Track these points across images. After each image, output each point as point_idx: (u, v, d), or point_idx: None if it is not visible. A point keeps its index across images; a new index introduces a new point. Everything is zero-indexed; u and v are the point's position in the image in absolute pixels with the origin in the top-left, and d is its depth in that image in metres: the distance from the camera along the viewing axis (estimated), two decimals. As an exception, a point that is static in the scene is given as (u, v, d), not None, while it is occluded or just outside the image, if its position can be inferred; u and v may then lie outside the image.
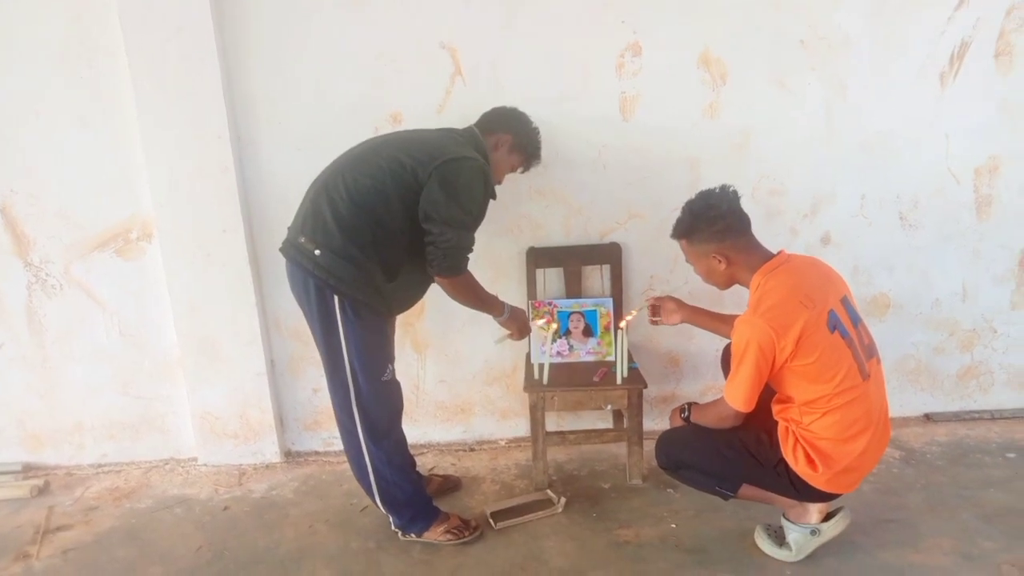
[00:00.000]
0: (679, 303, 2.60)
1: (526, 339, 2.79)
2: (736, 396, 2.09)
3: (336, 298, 2.18)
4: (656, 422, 3.15)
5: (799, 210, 2.95)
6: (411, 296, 2.42)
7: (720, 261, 2.14)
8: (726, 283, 2.23)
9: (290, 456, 3.15)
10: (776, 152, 2.88)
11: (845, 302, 2.14)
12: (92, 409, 3.12)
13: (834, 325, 2.05)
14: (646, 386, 2.63)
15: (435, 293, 2.41)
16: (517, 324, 2.57)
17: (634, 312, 2.65)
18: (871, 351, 2.15)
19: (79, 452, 3.16)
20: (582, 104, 2.80)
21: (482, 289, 2.43)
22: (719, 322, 2.59)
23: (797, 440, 2.12)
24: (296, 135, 2.80)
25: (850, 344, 2.07)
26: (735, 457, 2.23)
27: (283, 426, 3.14)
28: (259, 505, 2.79)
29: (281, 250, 2.29)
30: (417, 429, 3.17)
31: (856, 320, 2.13)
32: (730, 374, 2.13)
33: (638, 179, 2.88)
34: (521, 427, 3.17)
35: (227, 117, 2.72)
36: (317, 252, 2.15)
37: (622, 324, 2.58)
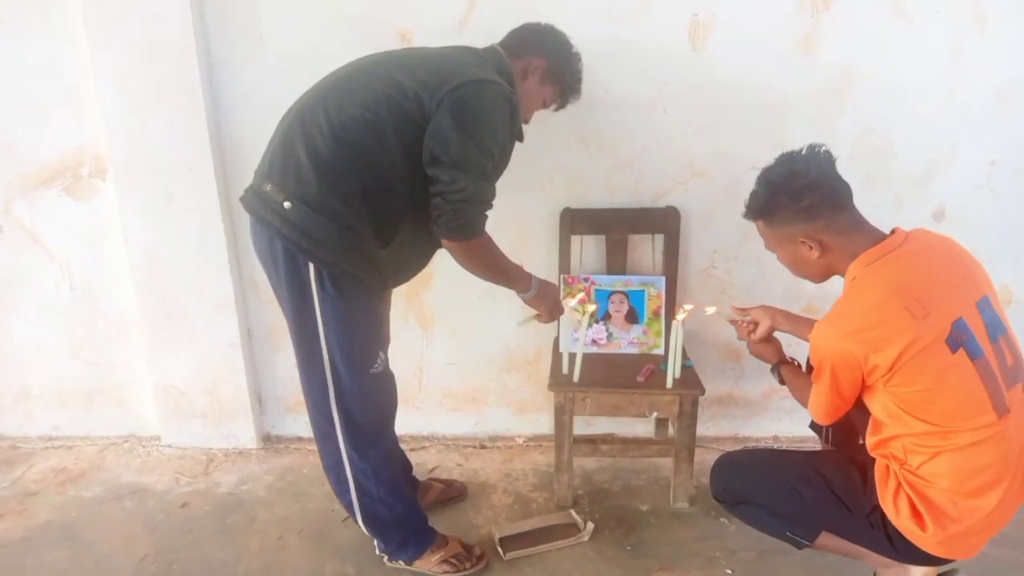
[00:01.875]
0: (763, 309, 2.09)
1: (555, 322, 2.35)
2: (815, 407, 1.70)
3: (311, 267, 1.72)
4: (708, 428, 2.71)
5: (908, 176, 2.41)
6: (412, 264, 1.96)
7: (811, 248, 1.64)
8: (821, 275, 1.73)
9: (268, 441, 2.75)
10: (885, 100, 2.32)
11: (984, 306, 1.62)
12: (40, 373, 2.73)
13: (959, 342, 1.54)
14: (703, 391, 2.16)
15: (445, 256, 1.96)
16: (547, 303, 2.07)
17: (708, 310, 2.18)
18: (1015, 375, 1.65)
19: (27, 422, 2.79)
20: (639, 27, 2.26)
21: (504, 257, 1.94)
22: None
23: (900, 485, 1.64)
24: (281, 53, 2.31)
25: (982, 368, 1.56)
26: (816, 498, 1.76)
27: (261, 406, 2.73)
28: (224, 503, 2.40)
29: (242, 200, 1.82)
30: (419, 418, 2.75)
31: (996, 332, 1.61)
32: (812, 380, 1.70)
33: (706, 127, 2.36)
34: (543, 423, 2.74)
35: (193, 25, 2.23)
36: (287, 204, 1.69)
37: (678, 316, 2.11)
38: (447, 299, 2.58)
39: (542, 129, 2.32)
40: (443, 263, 2.32)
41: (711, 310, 2.16)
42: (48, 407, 2.78)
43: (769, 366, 1.99)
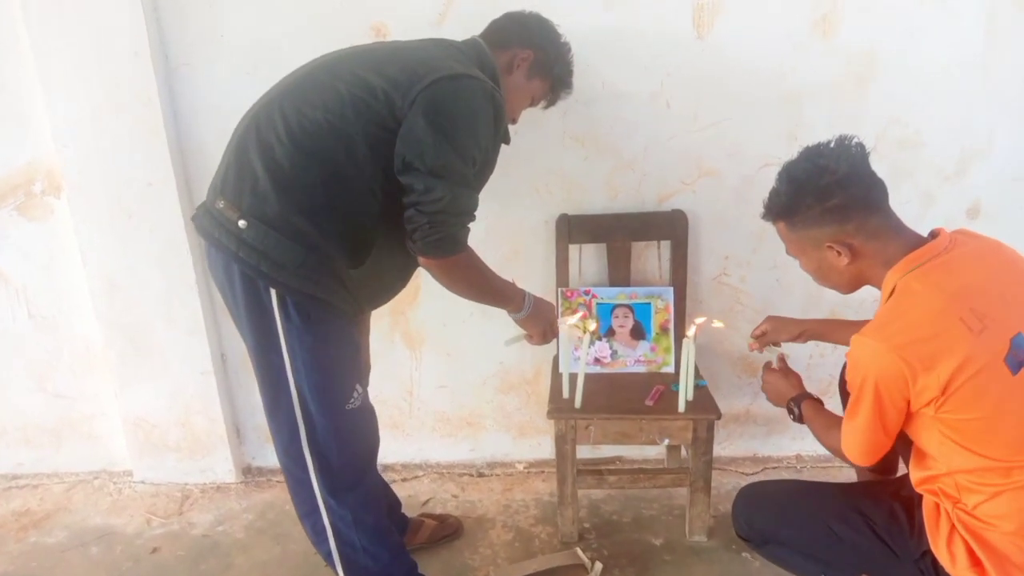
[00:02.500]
0: (781, 319, 1.93)
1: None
2: (851, 445, 1.45)
3: (273, 293, 1.51)
4: (724, 448, 2.49)
5: (939, 169, 2.19)
6: (390, 284, 1.75)
7: (839, 253, 1.43)
8: (850, 285, 1.52)
9: (248, 474, 2.55)
10: (912, 86, 2.09)
11: (1044, 318, 1.43)
12: (2, 408, 2.56)
13: (1020, 361, 1.34)
14: (719, 415, 1.95)
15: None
16: (541, 324, 1.86)
17: (716, 323, 1.95)
18: None
19: (-10, 459, 2.62)
20: (638, 12, 2.04)
21: (491, 273, 1.73)
22: (849, 329, 1.90)
23: (955, 528, 1.42)
24: (244, 52, 2.09)
25: None
26: (855, 540, 1.56)
27: (239, 437, 2.53)
28: (198, 547, 2.19)
29: (194, 220, 1.61)
30: (410, 444, 2.54)
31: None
32: (846, 411, 1.47)
33: (714, 122, 2.15)
34: (544, 447, 2.53)
35: (146, 26, 2.03)
36: (242, 223, 1.48)
37: (689, 333, 1.89)
38: (436, 317, 2.37)
39: (533, 128, 2.12)
40: (428, 278, 2.13)
41: (719, 324, 1.94)
42: (11, 444, 2.59)
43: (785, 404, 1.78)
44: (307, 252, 1.50)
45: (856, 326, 1.89)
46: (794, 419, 1.72)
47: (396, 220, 1.56)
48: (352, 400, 1.66)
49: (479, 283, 1.72)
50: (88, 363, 2.48)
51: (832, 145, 1.43)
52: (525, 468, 2.52)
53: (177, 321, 2.32)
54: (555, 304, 2.19)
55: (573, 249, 2.23)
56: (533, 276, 2.28)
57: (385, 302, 1.79)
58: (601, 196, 2.23)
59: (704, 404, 1.98)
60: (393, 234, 1.58)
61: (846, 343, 1.92)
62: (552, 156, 2.19)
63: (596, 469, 2.09)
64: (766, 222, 1.56)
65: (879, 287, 1.47)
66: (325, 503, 1.69)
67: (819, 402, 1.71)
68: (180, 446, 2.48)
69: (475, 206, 1.61)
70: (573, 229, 2.20)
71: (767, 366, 1.84)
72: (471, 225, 1.62)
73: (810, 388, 2.38)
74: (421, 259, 1.62)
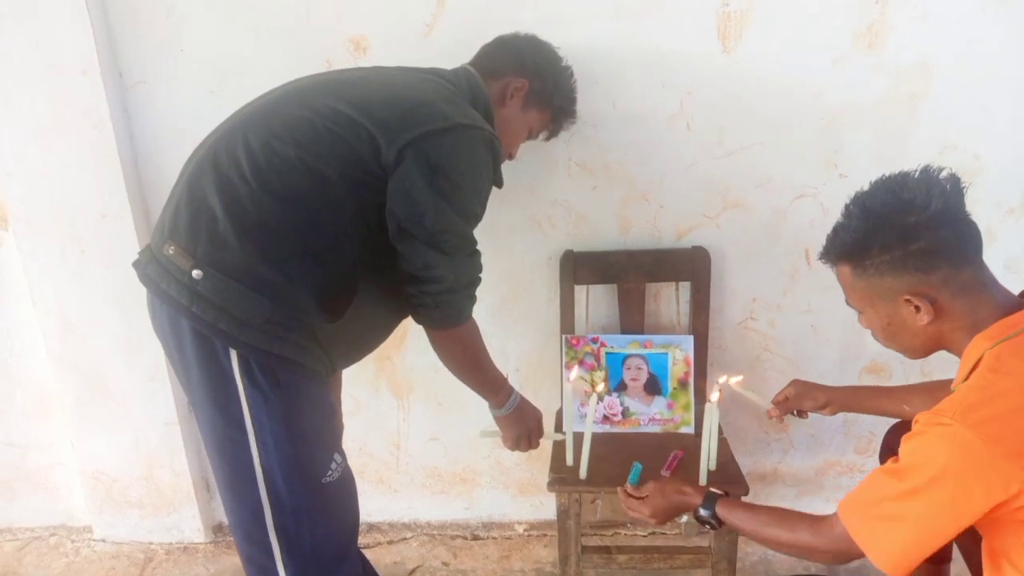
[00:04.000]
0: (806, 385, 1.68)
1: (556, 392, 1.90)
2: (884, 546, 1.12)
3: (234, 355, 1.29)
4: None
5: (1001, 201, 1.91)
6: (370, 338, 1.54)
7: (918, 309, 1.17)
8: (924, 348, 1.25)
9: (219, 533, 2.31)
10: (970, 106, 1.82)
11: None
12: (-50, 456, 2.35)
13: None
14: (747, 490, 1.70)
15: None
16: (518, 428, 1.72)
17: (733, 380, 1.69)
18: None
19: (-63, 512, 2.41)
20: (655, 23, 1.78)
21: (486, 354, 1.60)
22: (888, 398, 1.65)
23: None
24: (209, 70, 1.85)
25: None
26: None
27: (209, 492, 2.29)
28: (155, 624, 1.99)
29: (135, 266, 1.40)
30: (398, 502, 2.30)
31: None
32: (869, 495, 1.16)
33: (741, 147, 1.88)
34: (547, 507, 2.27)
35: (95, 40, 1.79)
36: (196, 274, 1.26)
37: (712, 398, 1.64)
38: (426, 362, 2.11)
39: (535, 154, 1.89)
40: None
41: (736, 379, 1.69)
42: (-39, 495, 2.37)
43: (684, 516, 1.48)
44: (275, 306, 1.28)
45: (895, 395, 1.63)
46: (712, 528, 1.40)
47: (378, 268, 1.37)
48: (330, 472, 1.43)
49: (472, 361, 1.59)
50: (43, 409, 2.25)
51: (917, 176, 1.17)
52: (525, 531, 2.27)
53: (137, 366, 2.09)
54: (560, 351, 1.95)
55: (579, 290, 1.98)
56: (533, 321, 2.04)
57: (362, 358, 1.56)
58: (611, 231, 1.97)
59: (729, 475, 1.72)
60: (375, 284, 1.39)
61: (882, 413, 1.67)
62: (556, 185, 1.94)
63: (604, 546, 1.84)
64: (799, 262, 1.30)
65: (957, 354, 1.21)
66: None
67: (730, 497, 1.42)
68: (143, 502, 2.25)
69: (479, 270, 1.47)
70: (579, 268, 1.95)
71: (623, 491, 1.53)
72: (477, 290, 1.48)
73: (847, 448, 2.17)
74: (426, 329, 1.50)
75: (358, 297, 1.36)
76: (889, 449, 1.66)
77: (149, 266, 1.35)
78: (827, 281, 1.96)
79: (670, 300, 2.01)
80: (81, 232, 1.97)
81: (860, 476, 2.17)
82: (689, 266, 1.94)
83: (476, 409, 2.13)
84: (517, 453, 2.19)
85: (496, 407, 1.68)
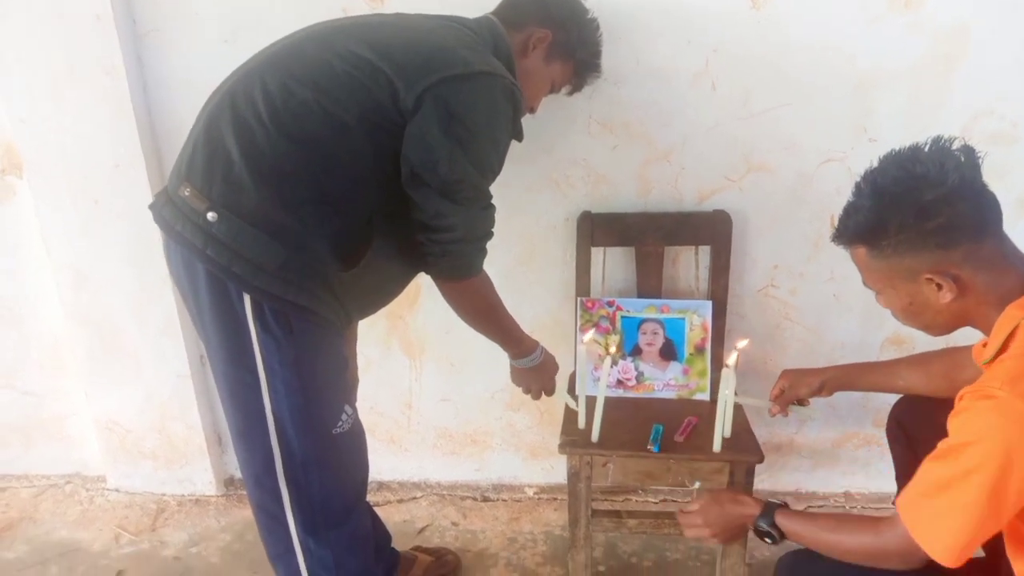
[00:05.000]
0: (797, 372, 1.67)
1: (570, 355, 1.89)
2: (938, 535, 1.09)
3: (247, 299, 1.30)
4: (763, 481, 2.21)
5: (1037, 170, 1.88)
6: (385, 290, 1.54)
7: (941, 287, 1.14)
8: (948, 325, 1.22)
9: (231, 486, 2.34)
10: (1008, 71, 1.76)
11: None
12: (-33, 405, 2.39)
13: None
14: (761, 458, 1.69)
15: None
16: (542, 379, 1.78)
17: (735, 353, 1.64)
18: None
19: (-42, 458, 2.46)
20: (683, -22, 1.76)
21: (500, 307, 1.60)
22: (881, 374, 1.63)
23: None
24: (224, 19, 1.83)
25: None
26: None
27: (220, 446, 2.32)
28: (167, 572, 2.01)
29: (152, 209, 1.39)
30: (408, 461, 2.32)
31: None
32: (928, 486, 1.13)
33: (767, 108, 1.84)
34: (558, 471, 2.28)
35: (110, -15, 1.80)
36: (211, 216, 1.27)
37: (729, 361, 1.62)
38: (439, 322, 2.12)
39: (554, 112, 1.86)
40: (430, 278, 1.91)
41: (743, 344, 1.67)
42: (-22, 442, 2.42)
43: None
44: (290, 252, 1.28)
45: (888, 369, 1.61)
46: (773, 542, 1.34)
47: (396, 218, 1.37)
48: (340, 423, 1.45)
49: (486, 314, 1.60)
50: (58, 359, 2.28)
51: (928, 149, 1.14)
52: (535, 493, 2.28)
53: (149, 319, 2.11)
54: (575, 313, 1.94)
55: (596, 253, 1.96)
56: (549, 283, 2.03)
57: (377, 310, 1.56)
58: (631, 192, 1.95)
59: (744, 443, 1.71)
60: (392, 234, 1.38)
61: (878, 389, 1.65)
62: (575, 144, 1.91)
63: (615, 511, 1.84)
64: (826, 229, 1.27)
65: (983, 328, 1.19)
66: (302, 544, 1.48)
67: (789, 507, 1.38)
68: (156, 453, 2.28)
69: (492, 224, 1.46)
70: (597, 229, 1.93)
71: (684, 513, 1.50)
72: (488, 244, 1.47)
73: (866, 421, 2.15)
74: (435, 280, 1.50)
75: (374, 247, 1.36)
76: (897, 424, 1.63)
77: (165, 208, 1.35)
78: (851, 249, 1.95)
79: (689, 265, 1.99)
80: (94, 182, 1.97)
81: (878, 449, 2.16)
82: (710, 230, 1.91)
83: (489, 371, 2.16)
84: (529, 416, 2.22)
85: (521, 357, 1.69)
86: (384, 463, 2.30)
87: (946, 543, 1.09)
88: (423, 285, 2.06)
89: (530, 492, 2.29)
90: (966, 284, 1.14)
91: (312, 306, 1.33)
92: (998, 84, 1.78)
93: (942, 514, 1.09)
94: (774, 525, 1.33)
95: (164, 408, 2.22)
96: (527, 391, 1.79)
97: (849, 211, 1.21)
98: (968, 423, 1.09)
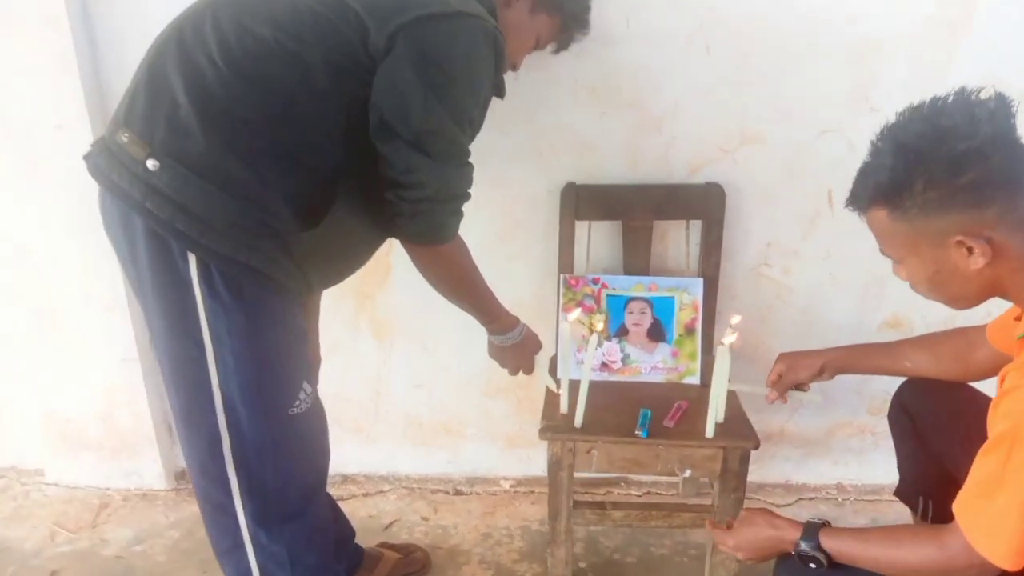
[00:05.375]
0: (795, 355, 1.56)
1: (551, 336, 1.77)
2: (995, 538, 0.98)
3: (193, 260, 1.16)
4: (751, 473, 2.09)
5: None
6: (349, 259, 1.39)
7: (971, 251, 1.04)
8: (978, 295, 1.11)
9: (182, 480, 2.16)
10: (1017, 38, 1.68)
11: None
12: None
13: None
14: (756, 444, 1.58)
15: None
16: (522, 358, 1.64)
17: (726, 339, 1.51)
18: None
19: None
20: (676, -68, 1.65)
21: (477, 278, 1.47)
22: (887, 355, 1.51)
23: None
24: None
25: None
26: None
27: (172, 436, 2.14)
28: (107, 573, 1.84)
29: (86, 159, 1.23)
30: (376, 452, 2.17)
31: None
32: (975, 482, 1.03)
33: (763, 74, 1.73)
34: (536, 462, 2.15)
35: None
36: (152, 164, 1.12)
37: (726, 340, 1.51)
38: (411, 301, 1.98)
39: (537, 75, 1.74)
40: (402, 254, 1.78)
41: (736, 320, 1.54)
42: (-96, 431, 2.22)
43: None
44: (242, 207, 1.14)
45: (894, 351, 1.50)
46: (819, 567, 1.18)
47: (363, 177, 1.23)
48: (297, 403, 1.31)
49: (460, 283, 1.46)
50: (-8, 341, 2.10)
51: (952, 100, 1.03)
52: (511, 487, 2.15)
53: (94, 295, 1.94)
54: (557, 289, 1.81)
55: (581, 227, 1.84)
56: (529, 260, 1.91)
57: (341, 279, 1.42)
58: (618, 163, 1.83)
59: (738, 428, 1.60)
60: (358, 194, 1.25)
61: (882, 372, 1.54)
62: (559, 110, 1.78)
63: (598, 502, 1.71)
64: (822, 204, 1.17)
65: (1015, 298, 1.09)
66: (253, 537, 1.34)
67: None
68: (100, 444, 2.11)
69: (469, 184, 1.32)
70: (582, 202, 1.81)
71: (714, 526, 1.38)
72: (463, 208, 1.33)
73: (859, 408, 2.06)
74: (405, 244, 1.35)
75: (338, 207, 1.22)
76: (901, 409, 1.54)
77: (100, 157, 1.20)
78: (849, 226, 1.81)
79: (679, 241, 1.88)
80: (31, 145, 1.81)
81: (872, 439, 2.07)
82: (702, 203, 1.80)
83: (464, 354, 2.03)
84: (506, 404, 2.09)
85: (500, 332, 1.56)
86: (349, 454, 2.15)
87: (1010, 545, 0.97)
88: (394, 260, 1.93)
89: (506, 485, 2.15)
90: (1000, 248, 1.03)
91: (266, 269, 1.19)
92: (1007, 51, 1.70)
93: (1001, 514, 0.98)
94: (819, 548, 1.17)
95: (109, 394, 2.05)
96: (515, 372, 1.66)
97: (867, 171, 1.09)
98: (1016, 405, 0.99)
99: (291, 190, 1.18)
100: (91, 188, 1.25)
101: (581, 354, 1.76)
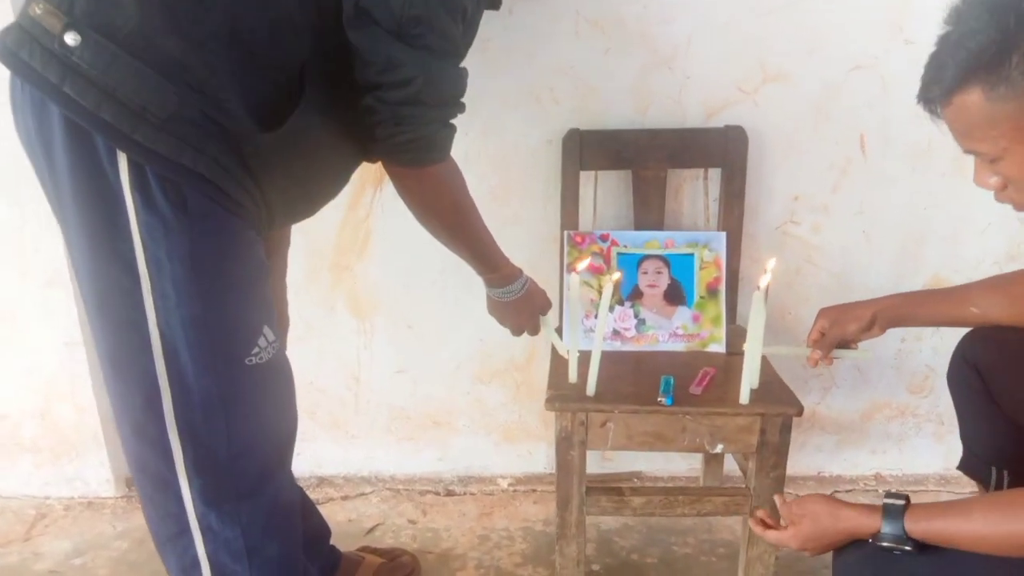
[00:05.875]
0: (839, 308, 1.33)
1: (554, 307, 1.55)
2: None
3: (123, 161, 0.93)
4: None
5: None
6: (317, 180, 1.16)
7: None
8: None
9: (133, 486, 1.93)
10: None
11: None
12: None
13: None
14: (800, 410, 1.36)
15: (388, 206, 1.37)
16: (524, 314, 1.43)
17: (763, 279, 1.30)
18: None
19: None
20: None
21: (475, 212, 1.27)
22: (948, 301, 1.31)
23: None
24: None
25: None
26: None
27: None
28: (39, 589, 1.59)
29: None
30: (355, 450, 1.92)
31: None
32: None
33: (786, 4, 1.55)
34: (537, 458, 1.91)
35: None
36: (71, 39, 0.89)
37: (762, 282, 1.30)
38: (394, 274, 1.76)
39: (535, 9, 1.57)
40: (384, 217, 1.60)
41: (765, 280, 1.33)
42: None
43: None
44: (184, 97, 0.93)
45: (957, 296, 1.29)
46: (912, 549, 0.95)
47: (335, 82, 1.03)
48: (256, 350, 1.06)
49: (456, 214, 1.25)
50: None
51: None
52: (510, 485, 1.90)
53: (30, 270, 1.70)
54: (562, 248, 1.61)
55: (586, 178, 1.63)
56: (529, 221, 1.71)
57: (308, 212, 1.20)
58: (626, 107, 1.64)
59: (777, 393, 1.39)
60: (328, 102, 1.04)
61: (942, 322, 1.32)
62: (560, 48, 1.59)
63: (614, 487, 1.48)
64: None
65: None
66: (201, 520, 1.09)
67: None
68: (38, 445, 1.85)
69: (462, 90, 1.12)
70: (586, 149, 1.61)
71: (765, 525, 1.16)
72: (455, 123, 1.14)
73: (898, 387, 1.85)
74: (386, 165, 1.14)
75: (305, 116, 1.01)
76: (964, 362, 1.32)
77: (8, 35, 0.97)
78: (886, 174, 1.66)
79: (696, 193, 1.67)
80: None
81: (913, 421, 1.85)
82: (722, 149, 1.60)
83: (454, 334, 1.81)
84: (503, 390, 1.86)
85: (493, 286, 1.35)
86: (325, 454, 1.90)
87: None
88: (374, 225, 1.71)
89: (504, 484, 1.91)
90: None
91: (216, 179, 0.96)
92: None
93: None
94: (904, 533, 0.95)
95: (49, 385, 1.79)
96: (519, 332, 1.45)
97: (950, 44, 0.90)
98: None
99: (246, 87, 0.96)
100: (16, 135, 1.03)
101: (590, 320, 1.54)
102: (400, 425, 1.90)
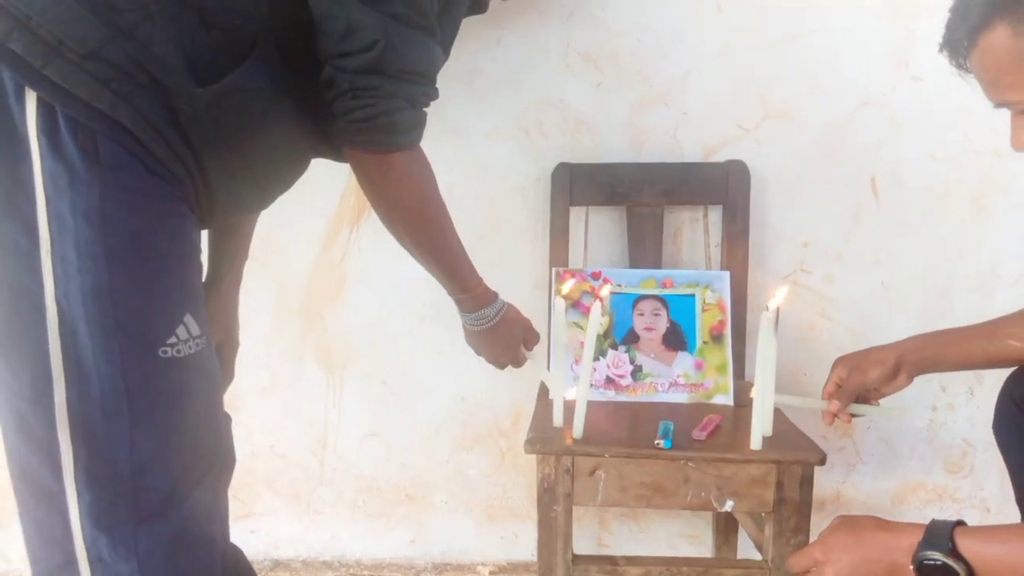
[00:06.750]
0: (857, 356, 1.19)
1: (543, 352, 1.39)
2: None
3: (32, 100, 0.80)
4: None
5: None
6: (268, 161, 1.00)
7: None
8: None
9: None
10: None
11: None
12: None
13: None
14: (823, 458, 1.16)
15: (364, 245, 1.29)
16: (500, 344, 1.26)
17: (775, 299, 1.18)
18: None
19: None
20: None
21: (446, 215, 1.13)
22: (982, 337, 1.16)
23: None
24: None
25: None
26: None
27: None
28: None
29: None
30: (318, 529, 1.69)
31: None
32: None
33: (790, 35, 1.49)
34: (524, 541, 1.67)
35: None
36: None
37: (771, 303, 1.14)
38: (368, 324, 1.61)
39: (523, 40, 1.51)
40: (361, 259, 1.49)
41: (775, 303, 1.17)
42: None
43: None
44: (111, 35, 0.82)
45: (991, 330, 1.14)
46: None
47: (289, 55, 0.94)
48: (173, 341, 0.88)
49: (423, 212, 1.10)
50: None
51: None
52: (492, 574, 1.66)
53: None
54: (551, 283, 1.47)
55: (576, 213, 1.52)
56: (516, 262, 1.58)
57: (262, 201, 1.07)
58: (619, 143, 1.55)
59: (793, 440, 1.20)
60: (280, 72, 0.94)
61: (979, 363, 1.17)
62: (549, 81, 1.53)
63: (606, 556, 1.26)
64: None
65: None
66: (89, 546, 0.86)
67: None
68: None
69: (432, 66, 1.01)
70: (577, 184, 1.50)
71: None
72: (427, 109, 1.03)
73: (934, 464, 1.63)
74: (348, 151, 1.01)
75: (250, 73, 0.90)
76: (1016, 405, 1.14)
77: None
78: (902, 220, 1.54)
79: (695, 234, 1.55)
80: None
81: (953, 505, 1.62)
82: (723, 185, 1.49)
83: (434, 391, 1.63)
84: (487, 458, 1.67)
85: (467, 310, 1.20)
86: (283, 531, 1.68)
87: None
88: (349, 271, 1.59)
89: (485, 572, 1.66)
90: None
91: (138, 131, 0.84)
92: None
93: None
94: (955, 553, 0.80)
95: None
96: (502, 365, 1.29)
97: None
98: None
99: (185, 42, 0.87)
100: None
101: (577, 368, 1.37)
102: (370, 499, 1.69)
